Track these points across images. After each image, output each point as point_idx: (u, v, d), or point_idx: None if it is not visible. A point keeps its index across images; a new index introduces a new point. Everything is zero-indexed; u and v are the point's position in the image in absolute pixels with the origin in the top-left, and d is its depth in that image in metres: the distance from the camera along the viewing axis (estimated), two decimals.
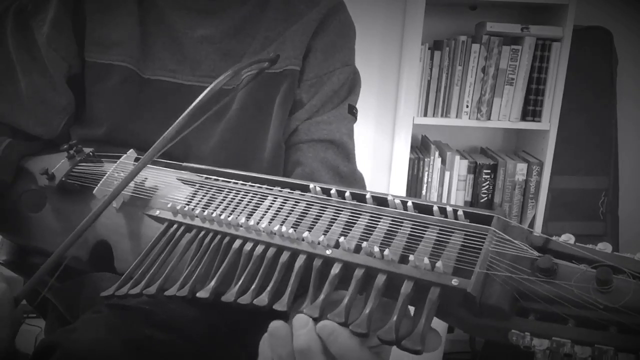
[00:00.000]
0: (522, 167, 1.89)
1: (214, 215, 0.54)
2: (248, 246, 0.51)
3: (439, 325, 0.40)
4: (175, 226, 0.57)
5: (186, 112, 0.61)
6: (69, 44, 0.79)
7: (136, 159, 0.72)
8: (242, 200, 0.56)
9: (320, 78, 0.83)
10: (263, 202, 0.55)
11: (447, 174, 1.90)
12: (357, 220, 0.49)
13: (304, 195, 0.54)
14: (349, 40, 0.87)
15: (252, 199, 0.56)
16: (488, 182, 1.91)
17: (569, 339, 0.36)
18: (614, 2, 1.97)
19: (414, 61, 1.78)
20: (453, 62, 1.81)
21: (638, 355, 0.35)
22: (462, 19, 1.93)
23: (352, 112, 0.86)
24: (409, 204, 0.49)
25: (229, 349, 0.70)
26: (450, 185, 1.91)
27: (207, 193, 0.60)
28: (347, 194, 0.52)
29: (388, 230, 0.47)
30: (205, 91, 0.62)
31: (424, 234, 0.46)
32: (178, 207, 0.57)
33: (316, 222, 0.50)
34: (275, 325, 0.44)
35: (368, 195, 0.51)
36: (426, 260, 0.41)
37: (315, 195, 0.54)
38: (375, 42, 1.97)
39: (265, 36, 0.81)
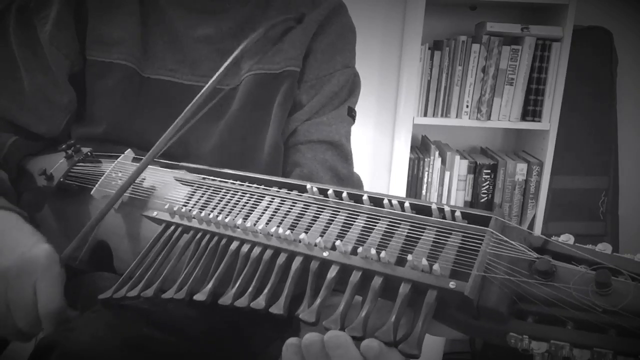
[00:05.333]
0: (522, 167, 1.89)
1: (211, 216, 0.54)
2: (245, 248, 0.50)
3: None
4: (172, 227, 0.57)
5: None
6: (71, 42, 0.79)
7: (134, 159, 0.72)
8: (240, 201, 0.56)
9: (320, 79, 0.83)
10: (260, 202, 0.55)
11: (447, 174, 1.89)
12: (354, 222, 0.49)
13: (301, 195, 0.54)
14: (350, 42, 0.87)
15: (250, 200, 0.56)
16: (488, 182, 1.91)
17: (567, 342, 0.36)
18: (614, 2, 1.97)
19: (414, 61, 1.78)
20: (453, 62, 1.81)
21: (637, 359, 0.34)
22: (462, 19, 1.93)
23: (351, 114, 0.86)
24: (406, 204, 0.48)
25: (229, 348, 0.70)
26: (450, 185, 1.90)
27: (204, 193, 0.59)
28: (344, 194, 0.52)
29: (385, 231, 0.47)
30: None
31: (422, 235, 0.45)
32: (175, 209, 0.57)
33: (313, 224, 0.50)
34: (311, 339, 0.42)
35: (365, 197, 0.50)
36: (424, 262, 0.41)
37: (313, 196, 0.54)
38: (375, 42, 1.96)
39: (265, 37, 0.81)
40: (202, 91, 0.63)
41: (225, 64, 0.65)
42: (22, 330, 0.56)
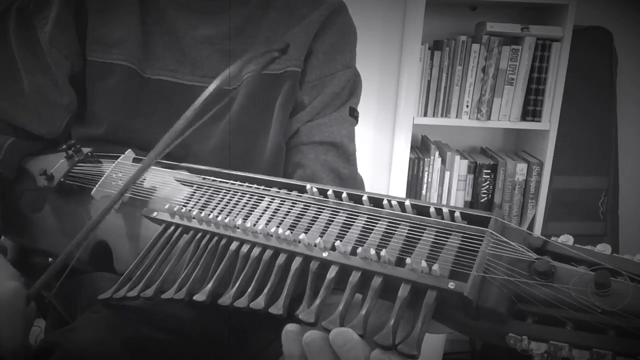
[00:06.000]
0: (522, 167, 1.89)
1: (211, 216, 0.54)
2: (245, 248, 0.51)
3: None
4: (172, 228, 0.57)
5: (189, 111, 0.61)
6: (72, 43, 0.79)
7: (134, 159, 0.72)
8: (240, 201, 0.56)
9: (322, 80, 0.83)
10: (260, 203, 0.55)
11: (447, 174, 1.89)
12: (354, 222, 0.49)
13: (300, 196, 0.54)
14: (351, 43, 0.87)
15: (250, 200, 0.56)
16: (488, 182, 1.91)
17: (566, 343, 0.36)
18: (614, 2, 1.96)
19: (414, 61, 1.78)
20: (453, 62, 1.81)
21: (636, 359, 0.34)
22: (462, 19, 1.93)
23: (354, 114, 0.86)
24: (406, 204, 0.48)
25: (228, 348, 0.70)
26: (450, 185, 1.91)
27: (204, 194, 0.59)
28: (344, 195, 0.52)
29: (385, 232, 0.47)
30: (210, 87, 0.62)
31: (421, 235, 0.45)
32: (175, 209, 0.57)
33: (313, 224, 0.50)
34: (312, 336, 0.42)
35: (365, 197, 0.50)
36: (423, 263, 0.41)
37: (312, 197, 0.54)
38: (375, 42, 1.96)
39: (266, 37, 0.81)
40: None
41: (207, 90, 0.65)
42: None
